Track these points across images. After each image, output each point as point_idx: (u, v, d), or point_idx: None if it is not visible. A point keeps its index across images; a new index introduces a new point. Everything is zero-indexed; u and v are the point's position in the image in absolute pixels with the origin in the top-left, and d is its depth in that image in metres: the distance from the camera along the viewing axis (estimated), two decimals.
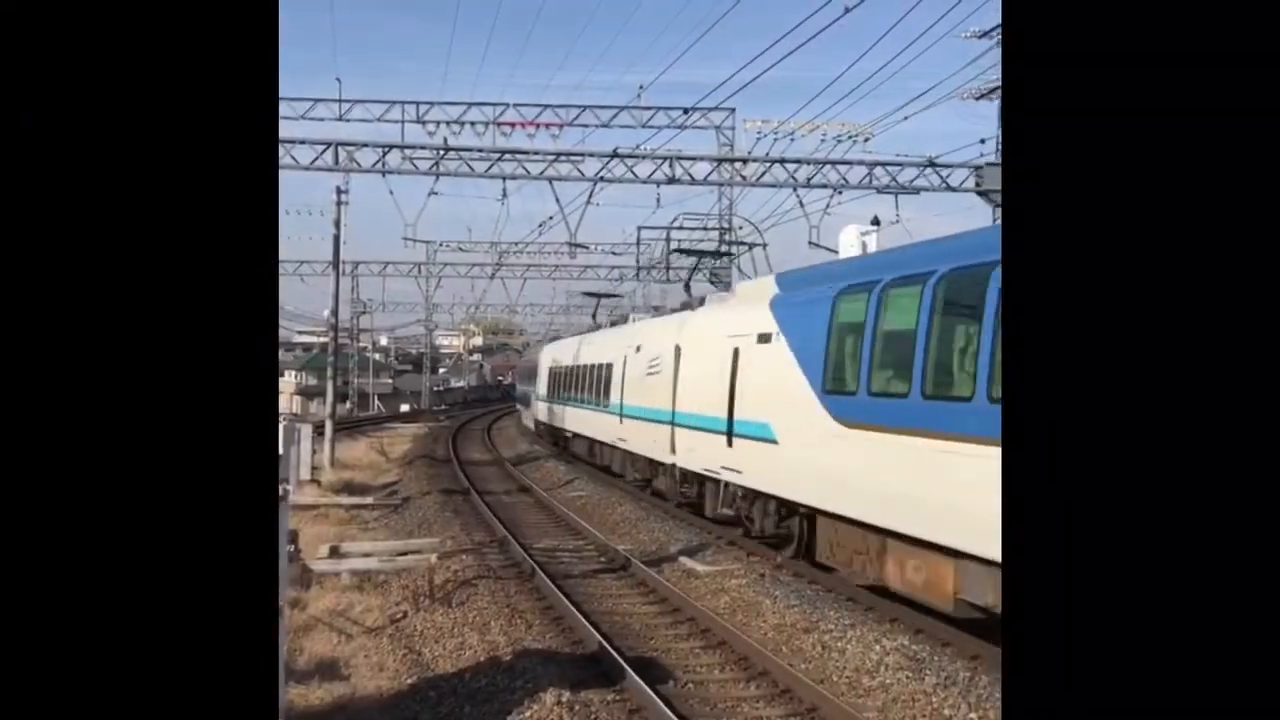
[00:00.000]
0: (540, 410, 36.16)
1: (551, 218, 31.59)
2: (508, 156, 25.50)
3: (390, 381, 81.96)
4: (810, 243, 20.81)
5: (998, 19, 28.32)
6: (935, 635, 11.25)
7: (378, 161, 25.08)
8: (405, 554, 14.45)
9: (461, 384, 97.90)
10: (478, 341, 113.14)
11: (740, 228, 34.30)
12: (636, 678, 9.60)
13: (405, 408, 70.91)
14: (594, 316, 43.71)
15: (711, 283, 34.91)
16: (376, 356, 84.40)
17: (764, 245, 25.57)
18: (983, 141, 27.35)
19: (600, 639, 11.07)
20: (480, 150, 25.47)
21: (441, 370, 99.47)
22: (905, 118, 47.70)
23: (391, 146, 25.13)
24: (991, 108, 28.42)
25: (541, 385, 35.63)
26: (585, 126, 27.65)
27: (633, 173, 25.49)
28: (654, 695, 8.92)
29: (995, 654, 10.46)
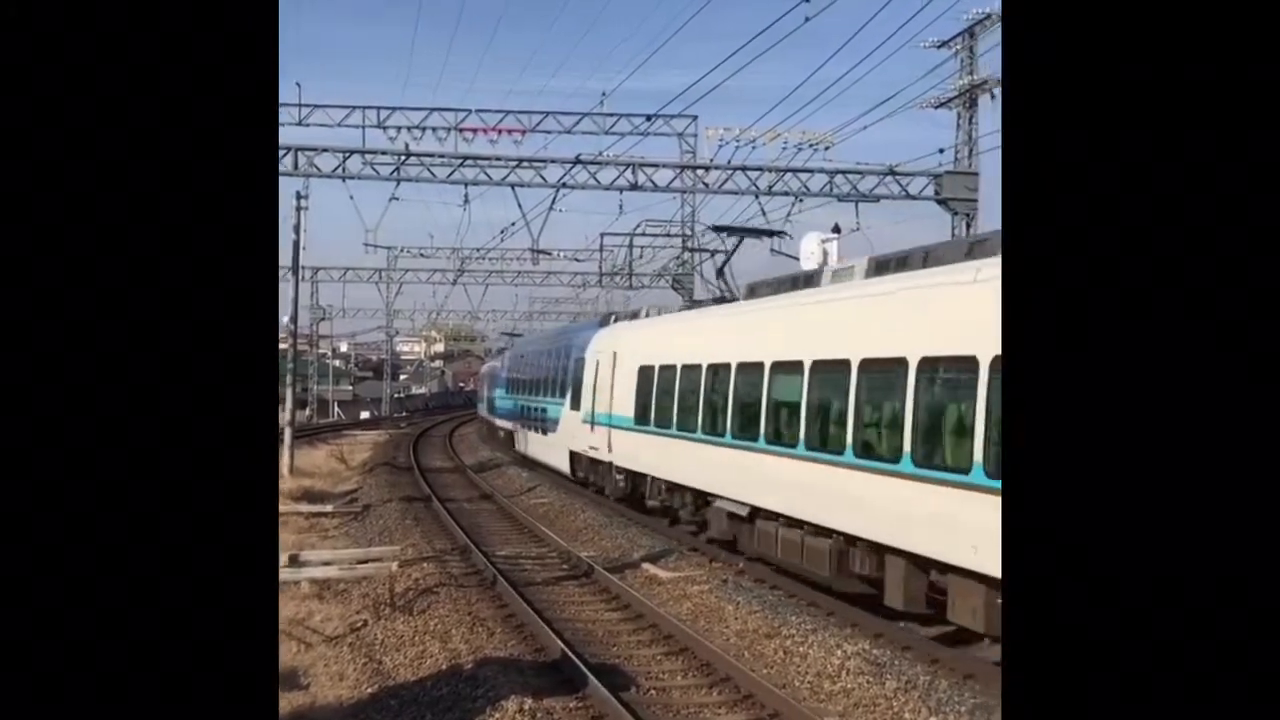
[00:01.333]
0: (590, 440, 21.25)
1: (514, 224, 31.55)
2: (470, 162, 25.51)
3: (350, 388, 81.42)
4: (772, 250, 21.00)
5: (955, 29, 28.68)
6: (896, 640, 11.37)
7: (338, 166, 24.98)
8: (366, 562, 14.39)
9: (423, 391, 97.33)
10: (439, 348, 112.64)
11: (703, 234, 34.47)
12: (599, 685, 9.64)
13: (365, 415, 70.50)
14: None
15: (674, 289, 34.94)
16: (336, 363, 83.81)
17: (726, 252, 25.71)
18: (941, 150, 27.67)
19: (563, 646, 11.10)
20: (442, 156, 25.44)
21: (402, 377, 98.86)
22: (865, 126, 48.37)
23: (352, 151, 25.04)
24: (950, 117, 28.72)
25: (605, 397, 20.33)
26: (548, 133, 27.71)
27: (595, 179, 25.55)
28: (616, 702, 8.96)
29: (953, 658, 10.58)
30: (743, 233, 20.25)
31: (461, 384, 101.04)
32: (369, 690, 9.72)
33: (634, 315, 22.88)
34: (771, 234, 19.80)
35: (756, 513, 13.82)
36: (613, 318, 24.55)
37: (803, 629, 11.97)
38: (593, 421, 21.23)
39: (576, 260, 48.89)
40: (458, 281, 52.99)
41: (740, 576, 14.23)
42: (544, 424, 26.83)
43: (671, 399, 16.56)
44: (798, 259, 15.71)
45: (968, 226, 25.43)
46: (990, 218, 27.59)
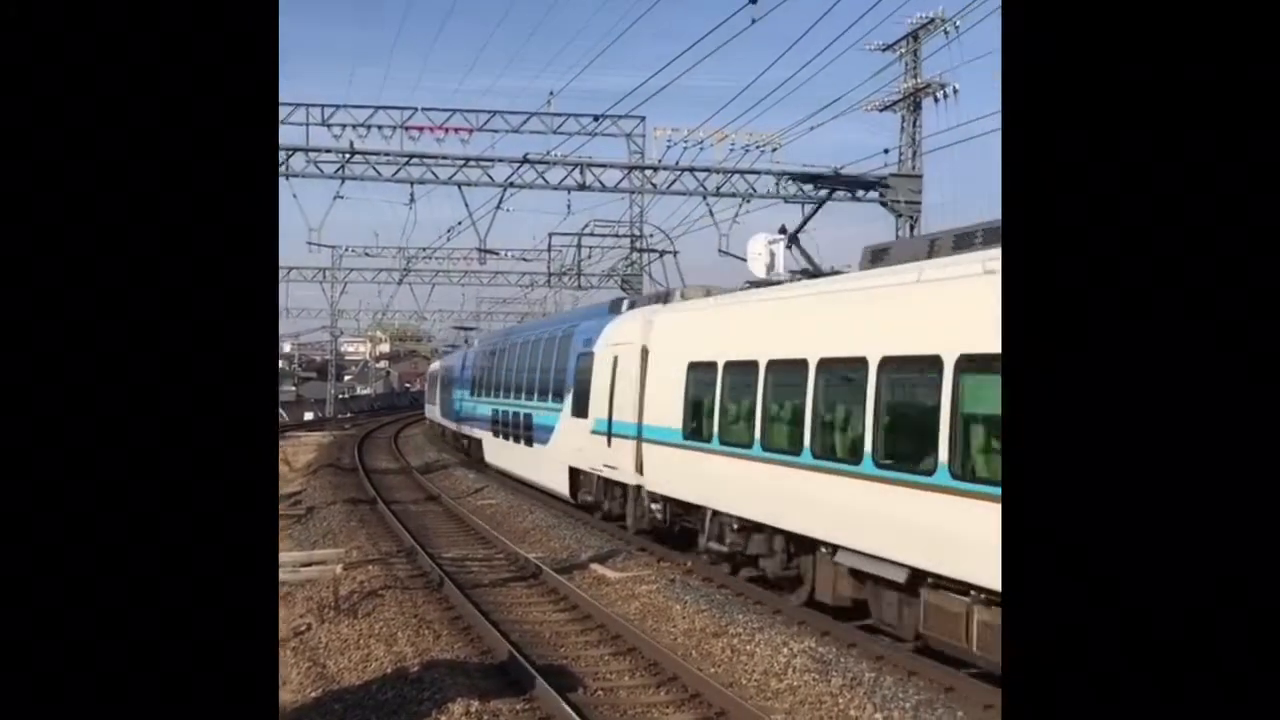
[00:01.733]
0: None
1: (461, 223, 31.22)
2: (415, 161, 25.36)
3: (294, 389, 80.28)
4: (720, 251, 21.17)
5: (900, 32, 29.06)
6: (841, 637, 11.53)
7: (281, 164, 24.67)
8: (310, 565, 14.25)
9: (368, 392, 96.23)
10: (385, 348, 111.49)
11: (651, 235, 34.57)
12: (546, 685, 9.65)
13: (309, 416, 69.62)
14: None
15: (623, 289, 35.00)
16: (280, 364, 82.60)
17: (675, 253, 25.83)
18: (886, 152, 28.06)
19: (510, 648, 11.10)
20: (387, 154, 25.26)
21: (347, 378, 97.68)
22: (811, 128, 48.79)
23: (296, 149, 24.75)
24: (895, 119, 29.12)
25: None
26: (495, 132, 27.58)
27: (543, 178, 25.53)
28: (563, 703, 8.98)
29: (899, 654, 10.76)
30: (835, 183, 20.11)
31: (407, 384, 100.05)
32: (313, 694, 9.65)
33: (662, 298, 17.60)
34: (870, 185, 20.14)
35: (921, 579, 9.66)
36: (625, 304, 19.13)
37: (749, 627, 12.09)
38: (609, 433, 16.93)
39: (524, 260, 48.61)
40: (403, 281, 52.49)
41: (688, 576, 14.33)
42: (529, 433, 22.59)
43: (751, 408, 12.24)
44: (745, 260, 15.90)
45: (911, 228, 25.83)
46: (933, 219, 28.04)
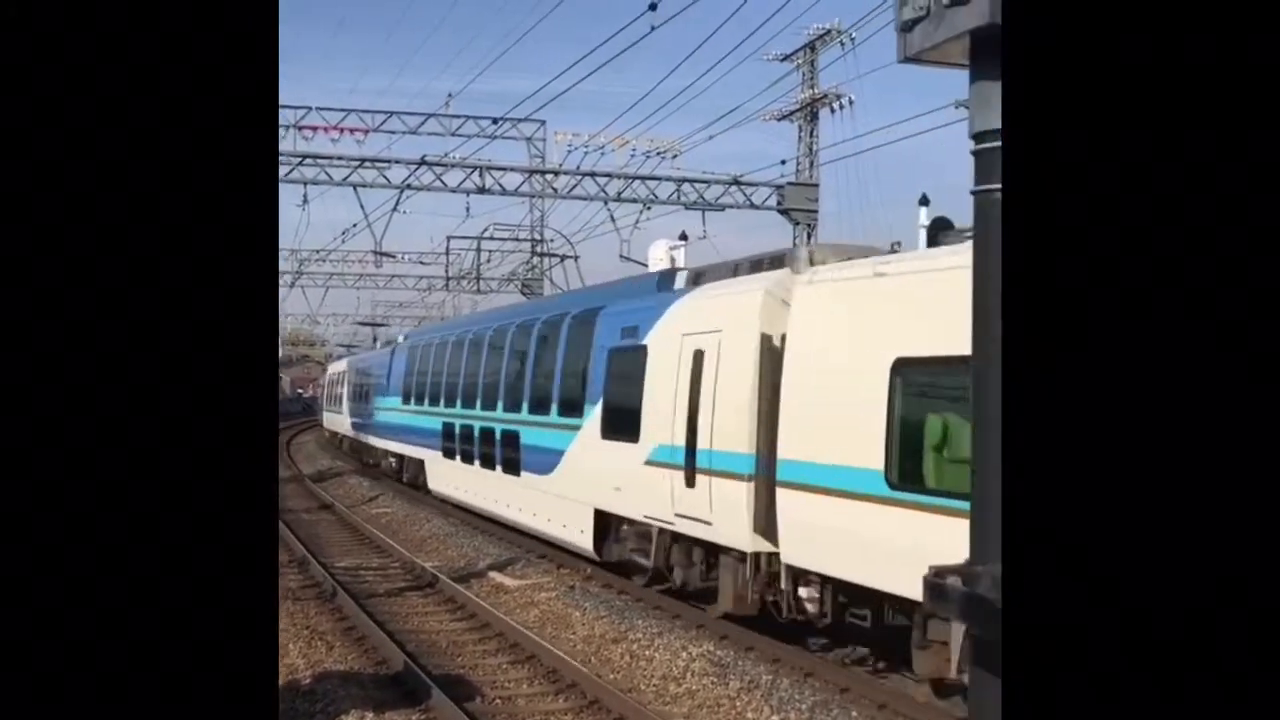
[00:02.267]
0: None
1: (356, 225, 30.50)
2: (309, 161, 24.94)
3: None
4: (621, 256, 21.40)
5: (798, 43, 29.70)
6: (739, 640, 11.75)
7: None
8: None
9: None
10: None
11: (552, 240, 34.52)
12: (443, 695, 9.63)
13: None
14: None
15: (523, 294, 34.88)
16: None
17: (576, 258, 25.93)
18: (783, 162, 28.71)
19: (405, 657, 11.03)
20: (280, 154, 24.75)
21: None
22: (711, 136, 49.35)
23: None
24: (792, 129, 29.75)
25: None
26: (392, 133, 27.29)
27: (441, 181, 25.35)
28: (461, 712, 8.98)
29: (797, 656, 11.04)
30: None
31: (300, 390, 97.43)
32: None
33: (769, 263, 11.43)
34: None
35: None
36: (684, 276, 13.19)
37: (649, 632, 12.23)
38: (688, 467, 11.36)
39: (422, 263, 47.63)
40: (295, 284, 51.06)
41: (588, 582, 14.41)
42: (512, 457, 16.80)
43: None
44: (646, 265, 16.12)
45: (808, 235, 26.48)
46: (829, 227, 28.74)
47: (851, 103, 29.09)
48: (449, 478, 20.90)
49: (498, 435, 17.73)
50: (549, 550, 16.62)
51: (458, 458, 19.99)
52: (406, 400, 24.60)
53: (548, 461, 15.31)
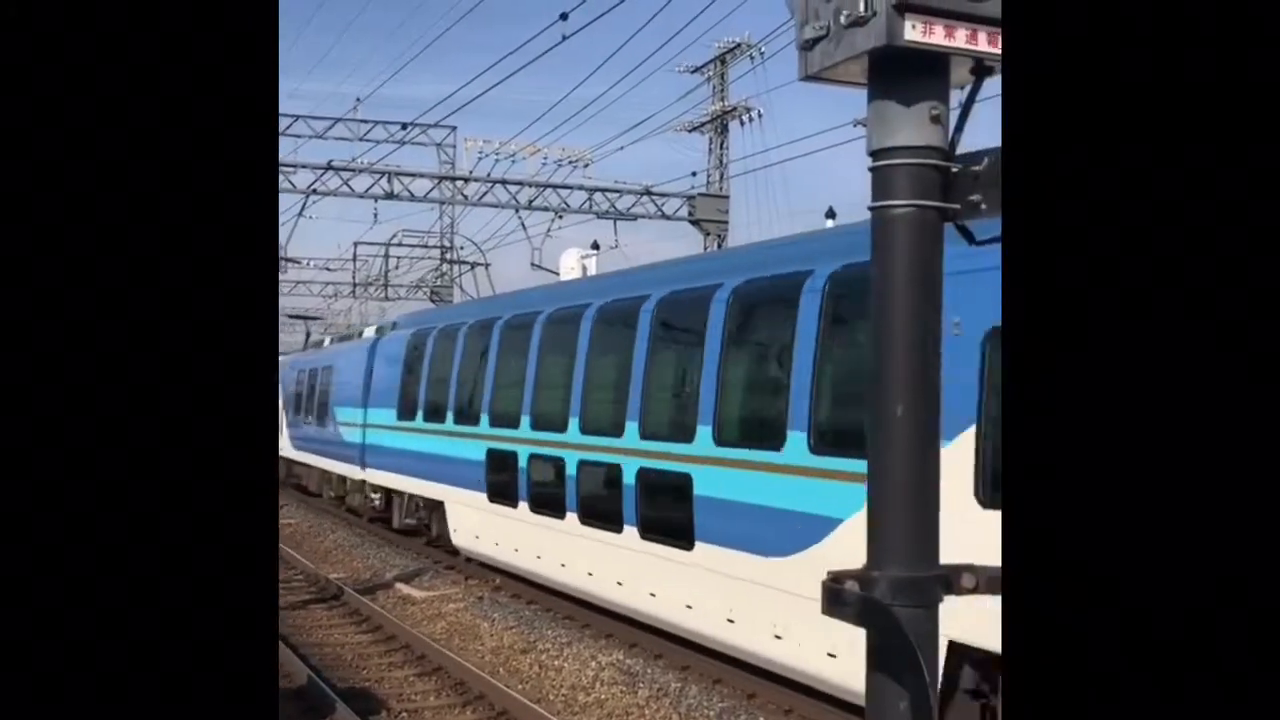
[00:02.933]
0: None
1: None
2: None
3: None
4: (533, 264, 21.37)
5: (708, 56, 29.94)
6: (648, 649, 11.86)
7: None
8: None
9: None
10: None
11: (462, 247, 34.16)
12: (348, 709, 9.55)
13: None
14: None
15: (433, 300, 34.40)
16: None
17: (486, 265, 25.75)
18: (694, 174, 29.02)
19: (309, 671, 10.89)
20: None
21: None
22: (622, 147, 49.40)
23: None
24: (703, 140, 30.05)
25: None
26: (297, 137, 26.84)
27: (349, 186, 25.03)
28: None
29: (704, 664, 11.20)
30: None
31: None
32: None
33: None
34: None
35: None
36: None
37: (558, 642, 12.26)
38: None
39: (328, 270, 46.63)
40: None
41: (496, 593, 14.37)
42: (672, 516, 10.46)
43: None
44: (558, 274, 16.17)
45: (719, 245, 26.84)
46: (738, 238, 29.04)
47: (761, 115, 29.59)
48: (501, 533, 14.21)
49: (630, 477, 11.08)
50: (457, 560, 16.54)
51: (523, 504, 13.33)
52: (407, 414, 17.70)
53: (781, 532, 9.03)
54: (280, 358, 27.90)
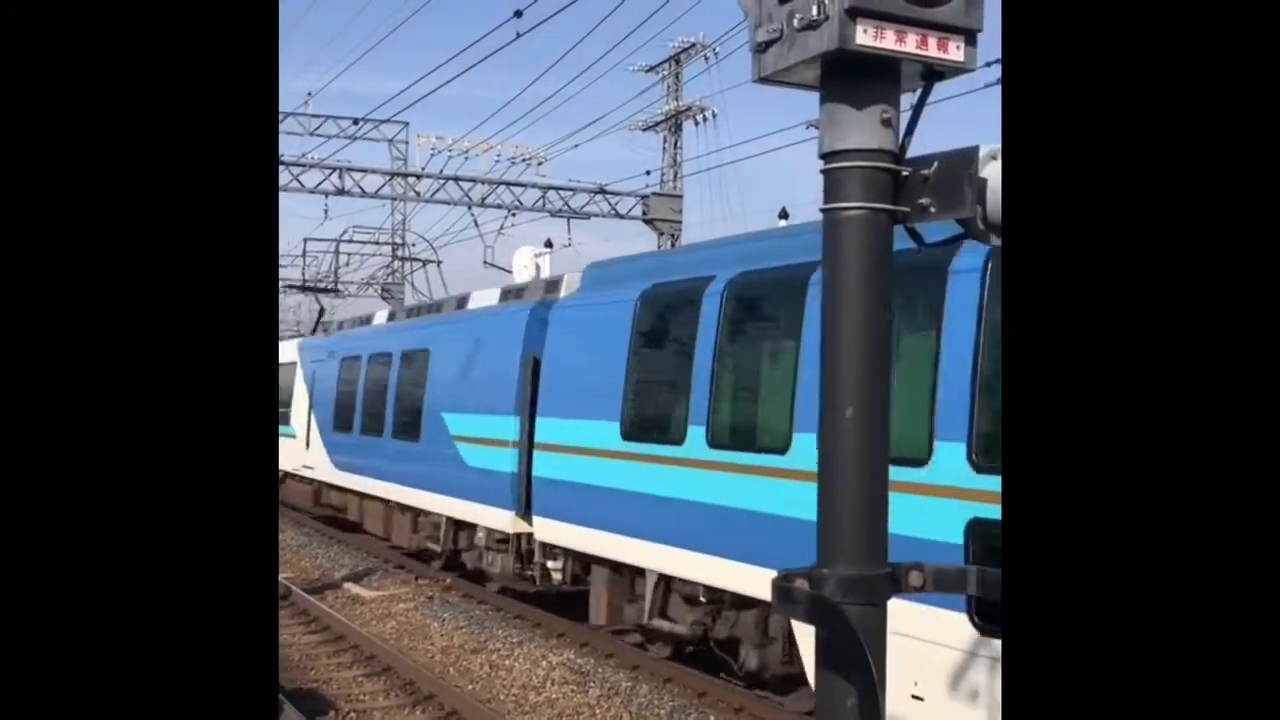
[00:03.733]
0: None
1: None
2: None
3: None
4: (485, 262, 21.22)
5: (663, 56, 29.83)
6: (599, 648, 11.88)
7: None
8: None
9: None
10: None
11: (414, 244, 33.78)
12: (294, 710, 9.49)
13: None
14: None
15: (384, 298, 34.00)
16: None
17: (439, 262, 25.40)
18: (648, 173, 29.01)
19: None
20: None
21: None
22: (576, 145, 49.20)
23: None
24: (657, 140, 30.04)
25: None
26: None
27: (299, 181, 24.72)
28: None
29: (655, 663, 11.26)
30: None
31: None
32: None
33: None
34: None
35: None
36: None
37: (509, 642, 12.25)
38: None
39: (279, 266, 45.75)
40: None
41: (447, 593, 14.31)
42: None
43: None
44: (510, 271, 16.12)
45: (672, 244, 26.90)
46: (693, 237, 29.01)
47: (715, 115, 29.69)
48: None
49: None
50: (407, 560, 16.44)
51: None
52: (657, 430, 10.71)
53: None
54: (318, 340, 22.72)
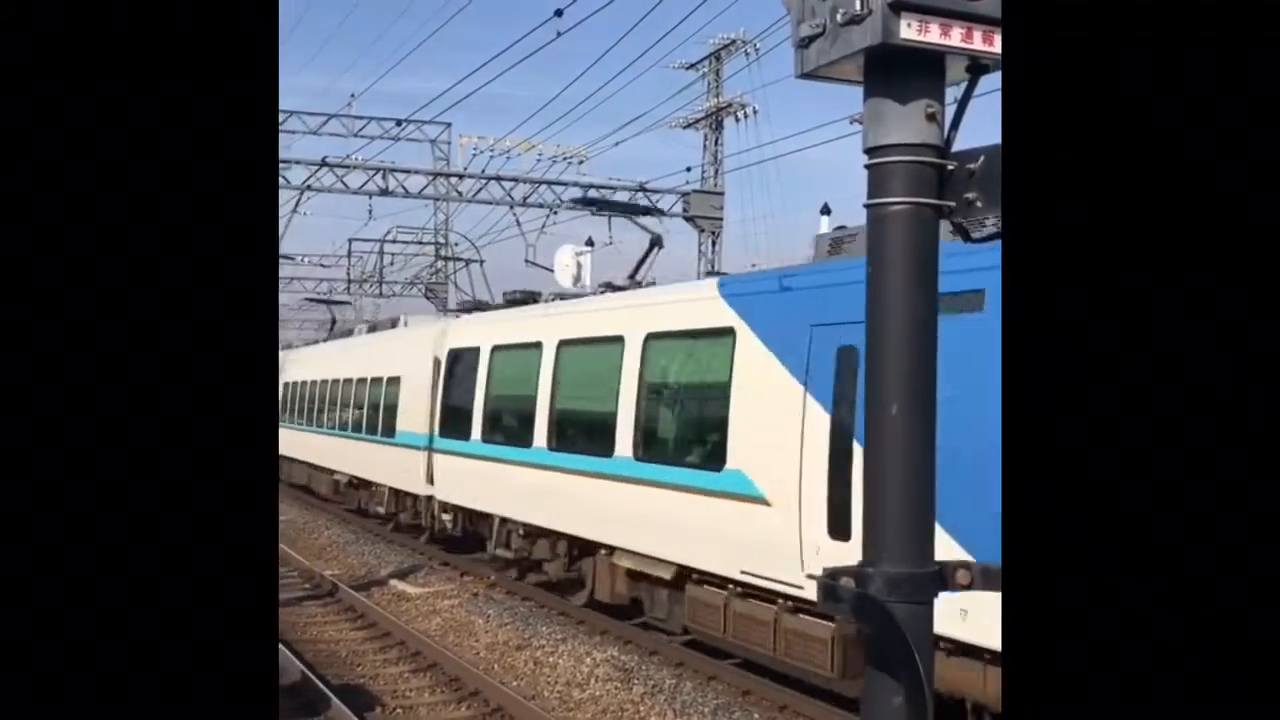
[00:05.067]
0: None
1: None
2: None
3: None
4: (527, 261, 21.30)
5: (703, 53, 29.75)
6: (643, 645, 11.87)
7: None
8: None
9: None
10: None
11: (457, 244, 33.99)
12: (342, 706, 9.56)
13: None
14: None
15: (427, 298, 34.23)
16: None
17: (481, 262, 25.60)
18: (689, 169, 28.87)
19: (303, 668, 10.88)
20: None
21: None
22: (617, 143, 49.11)
23: None
24: (697, 137, 29.93)
25: None
26: (292, 133, 26.76)
27: (343, 183, 24.95)
28: None
29: (699, 660, 11.22)
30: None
31: None
32: None
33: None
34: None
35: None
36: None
37: (553, 639, 12.27)
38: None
39: (323, 266, 46.37)
40: None
41: (492, 590, 14.38)
42: None
43: None
44: (552, 270, 16.15)
45: (713, 242, 26.79)
46: (733, 234, 28.74)
47: (756, 111, 29.48)
48: None
49: None
50: (451, 558, 16.55)
51: None
52: None
53: None
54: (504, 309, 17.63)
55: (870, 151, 3.16)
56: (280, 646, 11.14)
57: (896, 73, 3.09)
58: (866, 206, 3.19)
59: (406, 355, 19.05)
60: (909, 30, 2.93)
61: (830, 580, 3.09)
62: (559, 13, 16.18)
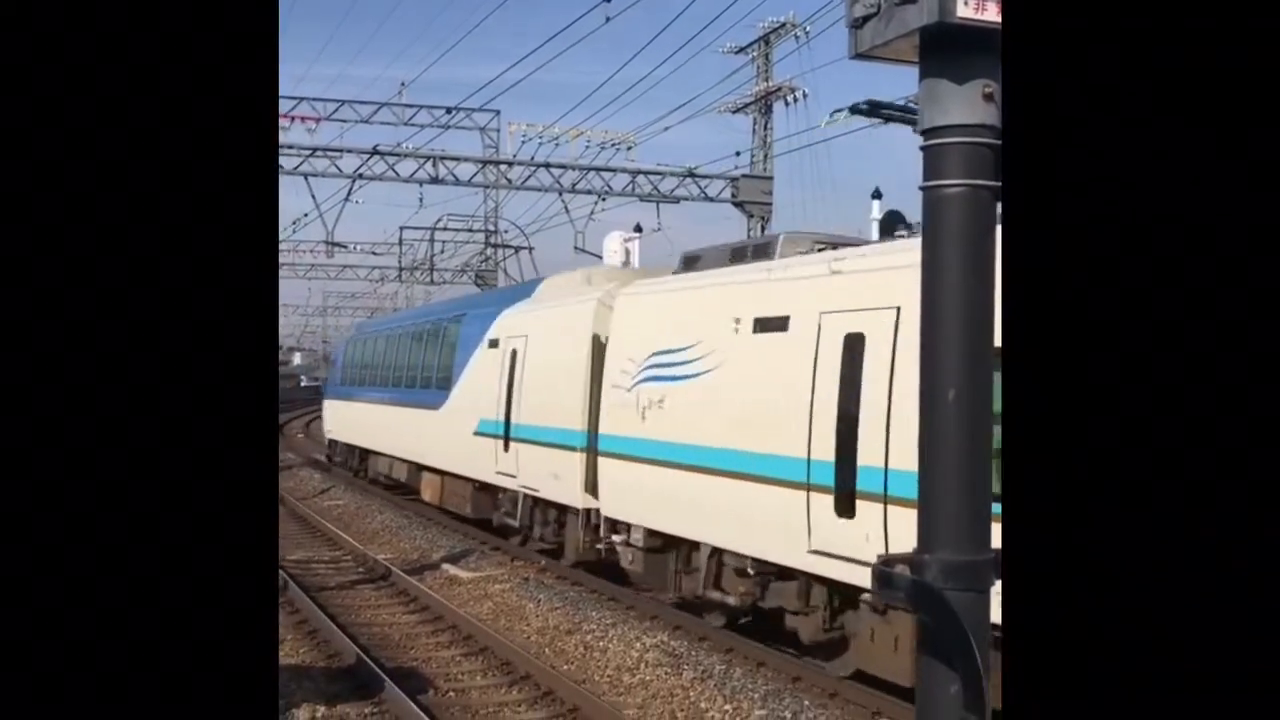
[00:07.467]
0: None
1: (307, 214, 29.66)
2: None
3: None
4: (576, 248, 21.32)
5: (752, 36, 29.50)
6: (692, 631, 11.85)
7: None
8: None
9: None
10: None
11: (506, 231, 34.15)
12: (395, 688, 9.62)
13: None
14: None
15: (477, 284, 34.51)
16: None
17: (530, 249, 25.66)
18: (738, 154, 28.63)
19: (358, 651, 10.98)
20: None
21: None
22: (666, 128, 48.75)
23: None
24: (746, 121, 29.69)
25: None
26: (343, 121, 26.82)
27: (394, 171, 25.09)
28: (413, 705, 8.98)
29: (749, 647, 11.17)
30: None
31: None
32: None
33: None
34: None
35: None
36: None
37: (603, 624, 12.28)
38: None
39: (374, 254, 46.64)
40: None
41: (543, 574, 14.44)
42: None
43: None
44: (600, 257, 16.17)
45: (762, 228, 26.58)
46: (783, 219, 28.59)
47: (805, 96, 29.12)
48: None
49: None
50: (503, 542, 16.61)
51: None
52: None
53: None
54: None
55: (926, 133, 3.11)
56: (335, 629, 11.27)
57: (952, 52, 3.03)
58: (922, 189, 3.13)
59: (548, 327, 14.68)
60: (965, 8, 2.88)
61: (885, 567, 3.06)
62: None
